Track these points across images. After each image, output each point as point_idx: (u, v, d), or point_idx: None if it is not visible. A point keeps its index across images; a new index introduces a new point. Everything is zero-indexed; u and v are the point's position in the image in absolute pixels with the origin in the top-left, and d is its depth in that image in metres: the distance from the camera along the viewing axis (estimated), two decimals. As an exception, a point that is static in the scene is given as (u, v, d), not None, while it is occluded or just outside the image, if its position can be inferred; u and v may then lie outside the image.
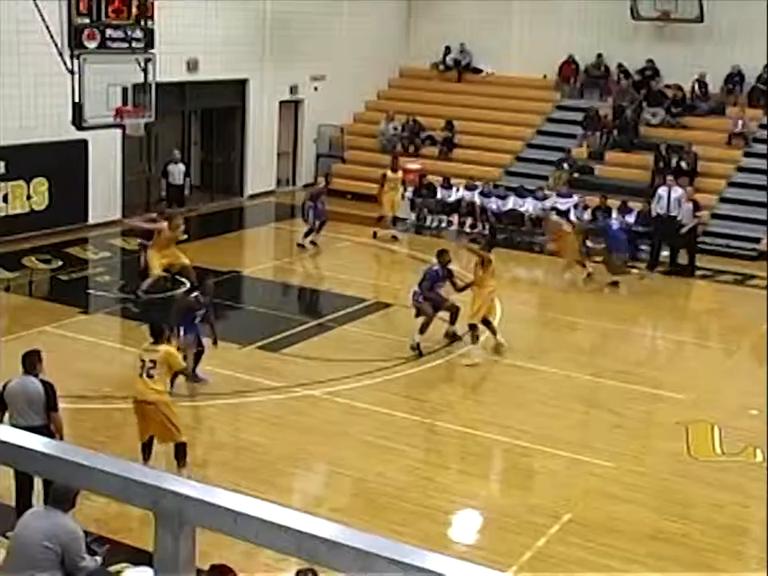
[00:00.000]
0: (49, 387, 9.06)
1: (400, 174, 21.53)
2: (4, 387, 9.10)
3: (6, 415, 9.06)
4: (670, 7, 24.94)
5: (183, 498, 1.76)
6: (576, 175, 23.60)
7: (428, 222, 22.90)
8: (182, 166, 21.73)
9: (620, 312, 17.60)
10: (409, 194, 23.47)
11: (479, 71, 27.60)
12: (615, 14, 25.54)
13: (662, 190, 20.59)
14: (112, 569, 8.03)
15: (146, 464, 10.05)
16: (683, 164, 22.92)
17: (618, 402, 13.04)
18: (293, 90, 25.38)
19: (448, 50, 27.65)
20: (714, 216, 22.46)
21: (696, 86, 25.00)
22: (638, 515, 10.08)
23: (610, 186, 22.66)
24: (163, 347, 10.22)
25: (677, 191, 20.45)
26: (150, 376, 9.98)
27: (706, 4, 24.40)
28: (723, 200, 22.81)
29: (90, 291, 16.97)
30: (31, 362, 9.13)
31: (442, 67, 27.83)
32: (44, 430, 8.79)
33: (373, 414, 12.32)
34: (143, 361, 10.04)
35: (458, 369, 14.05)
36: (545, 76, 26.91)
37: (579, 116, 25.18)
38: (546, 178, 23.62)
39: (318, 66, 25.48)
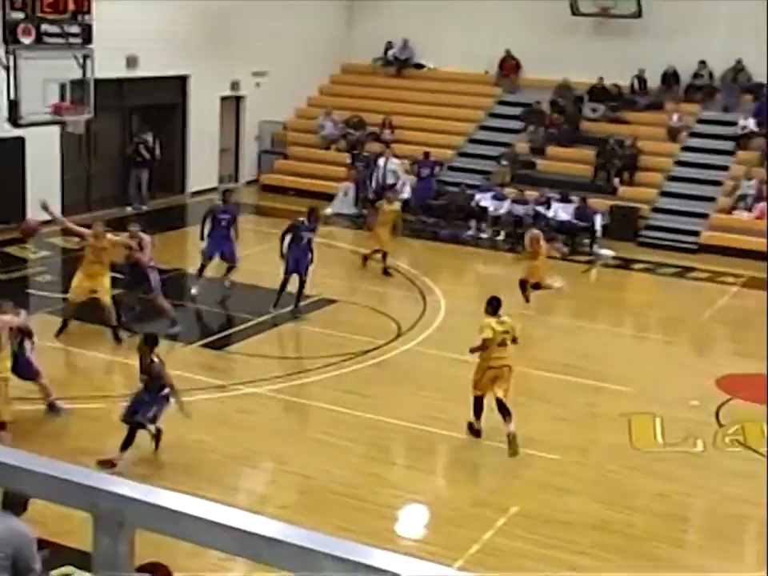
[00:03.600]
0: None
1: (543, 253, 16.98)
2: None
3: None
4: (609, 3, 25.21)
5: (122, 499, 1.72)
6: (519, 171, 23.79)
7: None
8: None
9: (562, 305, 17.75)
10: (353, 190, 23.55)
11: (421, 67, 27.66)
12: (554, 10, 25.74)
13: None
14: (54, 573, 7.91)
15: (478, 419, 11.56)
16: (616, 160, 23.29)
17: (562, 395, 13.16)
18: (234, 86, 25.23)
19: (390, 45, 27.67)
20: (655, 210, 22.77)
21: (635, 82, 25.32)
22: (583, 506, 10.17)
23: (552, 180, 22.89)
24: (509, 319, 11.62)
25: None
26: (504, 344, 11.42)
27: (645, 1, 24.69)
28: (663, 194, 23.13)
29: (30, 291, 16.70)
30: None
31: (380, 63, 27.83)
32: None
33: (318, 411, 12.29)
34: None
35: (402, 365, 14.06)
36: (486, 72, 27.05)
37: (521, 111, 25.37)
38: (488, 172, 23.77)
39: (259, 61, 25.33)
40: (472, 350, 11.68)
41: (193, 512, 1.67)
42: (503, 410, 11.26)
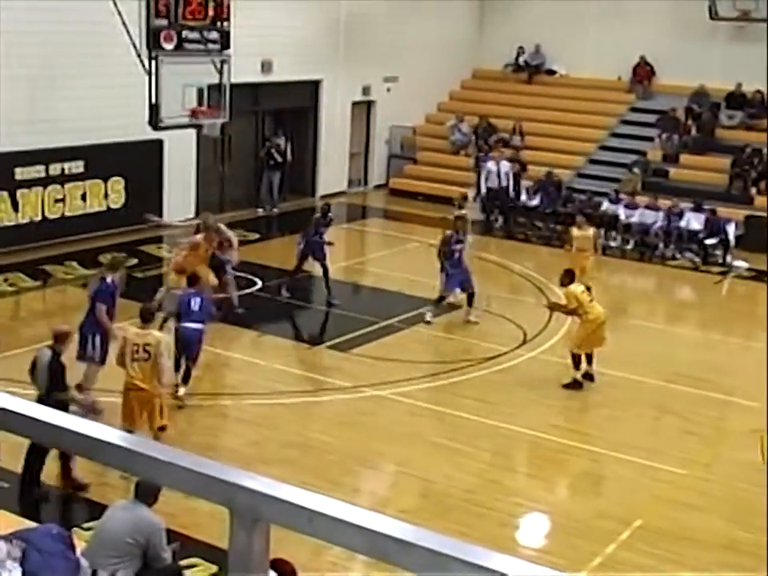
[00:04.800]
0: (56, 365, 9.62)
1: None
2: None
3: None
4: (750, 6, 24.45)
5: (258, 495, 1.77)
6: (650, 179, 23.33)
7: (498, 224, 22.84)
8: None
9: (693, 317, 17.34)
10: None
11: (553, 73, 27.41)
12: (692, 14, 25.12)
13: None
14: (182, 563, 8.14)
15: (578, 370, 13.18)
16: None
17: (690, 409, 12.85)
18: (365, 90, 25.48)
19: (521, 50, 27.51)
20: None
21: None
22: (710, 524, 9.91)
23: (685, 189, 22.37)
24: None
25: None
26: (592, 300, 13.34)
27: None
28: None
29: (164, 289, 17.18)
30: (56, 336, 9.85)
31: (511, 68, 27.66)
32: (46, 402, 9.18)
33: (441, 416, 12.31)
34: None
35: (526, 373, 13.96)
36: (619, 78, 26.62)
37: (654, 118, 24.88)
38: (619, 180, 23.40)
39: (390, 66, 25.53)
40: (553, 308, 14.22)
41: (326, 511, 1.71)
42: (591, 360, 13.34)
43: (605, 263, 20.66)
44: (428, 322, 15.54)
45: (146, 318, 10.73)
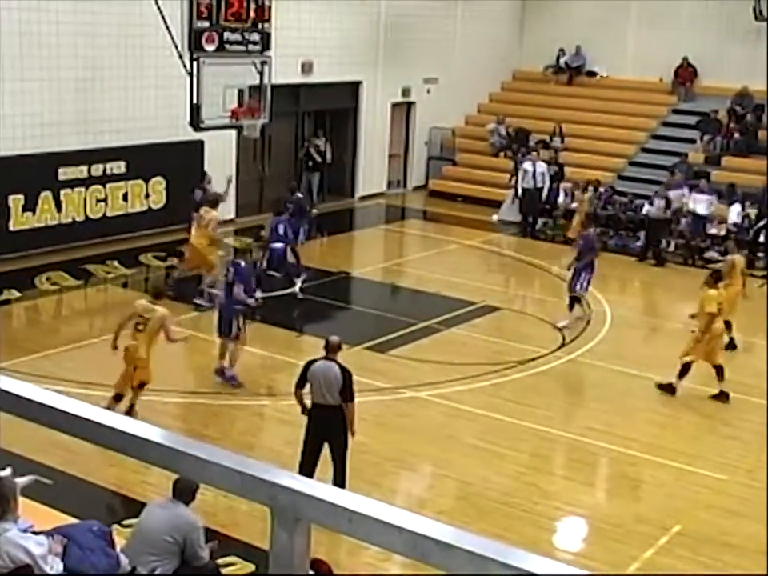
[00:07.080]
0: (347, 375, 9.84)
1: None
2: (308, 367, 9.93)
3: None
4: (797, 7, 24.14)
5: (299, 495, 1.79)
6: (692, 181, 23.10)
7: (538, 226, 22.76)
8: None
9: (735, 321, 17.11)
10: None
11: (594, 74, 27.25)
12: (736, 14, 24.87)
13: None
14: (219, 563, 8.18)
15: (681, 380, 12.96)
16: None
17: (732, 413, 12.73)
18: (405, 92, 25.49)
19: (562, 52, 27.39)
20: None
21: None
22: (751, 530, 9.80)
23: (727, 192, 22.13)
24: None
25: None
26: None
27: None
28: None
29: (203, 288, 17.28)
30: (332, 347, 9.99)
31: (551, 70, 27.54)
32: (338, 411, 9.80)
33: (479, 418, 12.28)
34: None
35: (565, 375, 13.90)
36: (661, 79, 26.41)
37: (696, 120, 24.64)
38: (660, 183, 23.20)
39: (430, 68, 25.53)
40: (693, 316, 13.18)
41: (366, 511, 1.72)
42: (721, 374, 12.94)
43: (646, 269, 20.52)
44: (560, 328, 15.39)
45: (157, 296, 11.78)
